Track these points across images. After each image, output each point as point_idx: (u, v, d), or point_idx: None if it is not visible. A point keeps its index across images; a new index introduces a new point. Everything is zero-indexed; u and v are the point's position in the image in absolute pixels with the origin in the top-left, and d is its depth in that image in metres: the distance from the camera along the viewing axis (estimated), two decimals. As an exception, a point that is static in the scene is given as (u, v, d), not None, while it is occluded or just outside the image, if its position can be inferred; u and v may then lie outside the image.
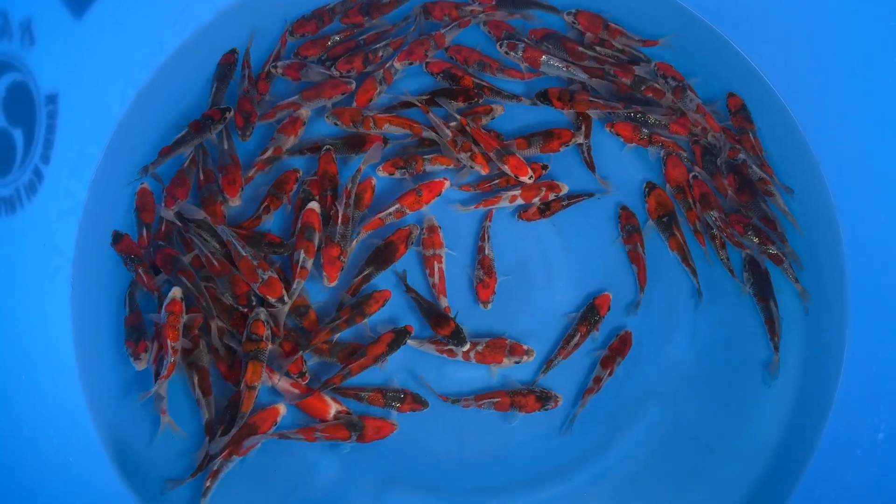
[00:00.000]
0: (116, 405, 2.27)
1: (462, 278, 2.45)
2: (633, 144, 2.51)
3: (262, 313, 2.18)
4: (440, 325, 2.28)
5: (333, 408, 2.20)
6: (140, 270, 2.30)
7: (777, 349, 2.32)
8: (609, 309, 2.36)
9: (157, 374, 2.18)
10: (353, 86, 2.48)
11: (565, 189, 2.43)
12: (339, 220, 2.26)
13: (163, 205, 2.33)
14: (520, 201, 2.42)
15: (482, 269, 2.38)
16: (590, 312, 2.36)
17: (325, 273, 2.27)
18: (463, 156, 2.39)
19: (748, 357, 2.36)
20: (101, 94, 2.42)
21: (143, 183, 2.42)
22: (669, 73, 2.44)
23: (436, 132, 2.41)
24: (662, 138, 2.48)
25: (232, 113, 2.44)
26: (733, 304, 2.39)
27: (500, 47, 2.51)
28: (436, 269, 2.37)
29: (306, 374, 2.23)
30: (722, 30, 2.57)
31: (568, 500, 2.24)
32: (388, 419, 2.27)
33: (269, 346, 2.17)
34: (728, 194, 2.42)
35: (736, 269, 2.42)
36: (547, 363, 2.34)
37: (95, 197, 2.42)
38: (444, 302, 2.36)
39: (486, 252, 2.39)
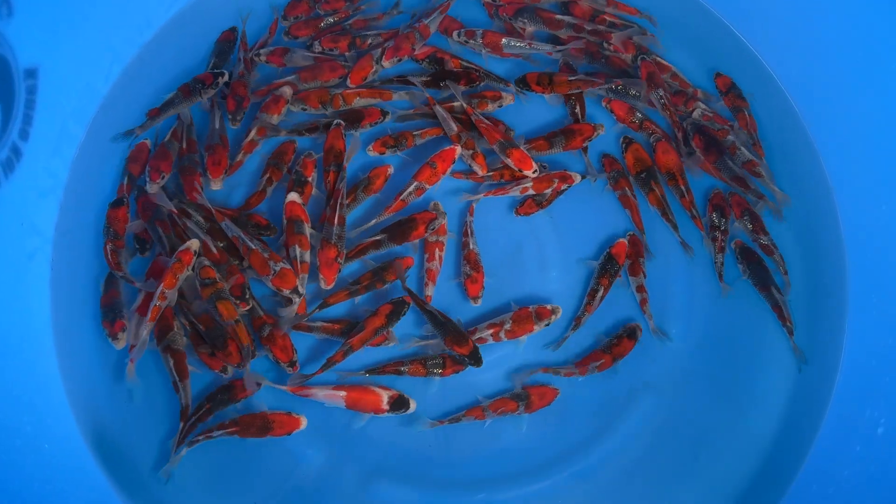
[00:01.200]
0: (95, 391, 2.22)
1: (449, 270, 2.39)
2: (624, 125, 2.50)
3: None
4: (458, 344, 2.19)
5: (385, 395, 2.15)
6: (108, 246, 2.25)
7: (792, 333, 2.29)
8: (627, 256, 2.33)
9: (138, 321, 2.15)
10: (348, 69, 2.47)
11: (578, 179, 2.39)
12: (335, 221, 2.20)
13: (149, 180, 2.26)
14: (531, 192, 2.37)
15: (468, 264, 2.31)
16: (608, 264, 2.32)
17: (321, 276, 2.20)
18: (465, 153, 2.35)
19: (745, 347, 2.33)
20: (85, 71, 2.36)
21: (145, 139, 2.38)
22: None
23: (440, 119, 2.40)
24: (653, 126, 2.46)
25: (226, 77, 2.40)
26: (731, 292, 2.35)
27: (457, 37, 2.49)
28: (436, 255, 2.32)
29: (297, 364, 2.18)
30: (719, 12, 2.55)
31: (557, 495, 2.20)
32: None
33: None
34: (695, 157, 2.42)
35: (728, 262, 2.39)
36: (575, 321, 2.31)
37: (77, 176, 2.36)
38: (429, 290, 2.32)
39: (472, 247, 2.33)
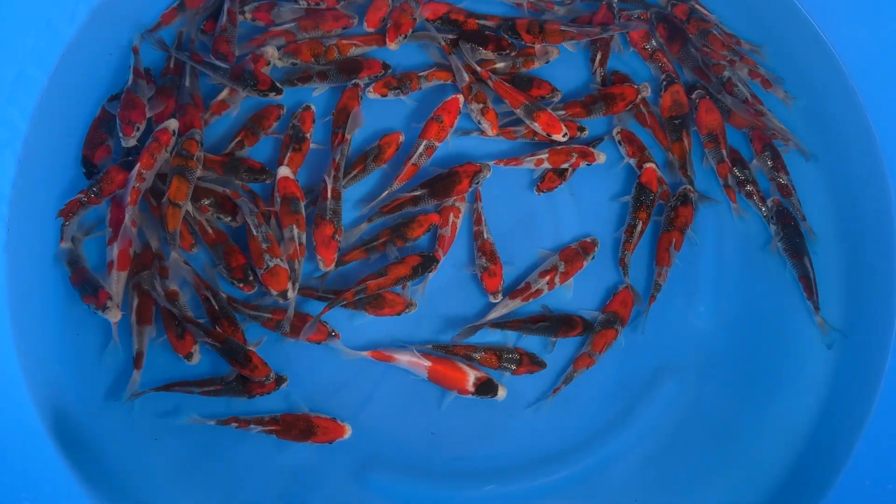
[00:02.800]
0: (55, 368, 2.09)
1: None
2: (635, 50, 2.41)
3: (198, 134, 2.11)
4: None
5: (472, 374, 2.06)
6: (80, 197, 2.10)
7: (818, 308, 2.18)
8: (659, 181, 2.23)
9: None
10: (356, 20, 2.32)
11: (602, 158, 2.24)
12: (329, 195, 2.08)
13: (122, 135, 2.11)
14: (546, 165, 2.22)
15: (484, 255, 2.17)
16: (641, 195, 2.22)
17: (319, 256, 2.08)
18: (474, 107, 2.22)
19: (779, 328, 2.22)
20: (46, 9, 2.19)
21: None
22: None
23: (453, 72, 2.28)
24: (664, 58, 2.37)
25: (233, 2, 2.26)
26: (762, 268, 2.26)
27: None
28: (450, 220, 2.18)
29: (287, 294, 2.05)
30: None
31: (569, 488, 2.11)
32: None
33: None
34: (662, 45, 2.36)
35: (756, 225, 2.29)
36: (620, 262, 2.21)
37: (39, 128, 2.20)
38: (439, 256, 2.17)
39: (485, 236, 2.19)
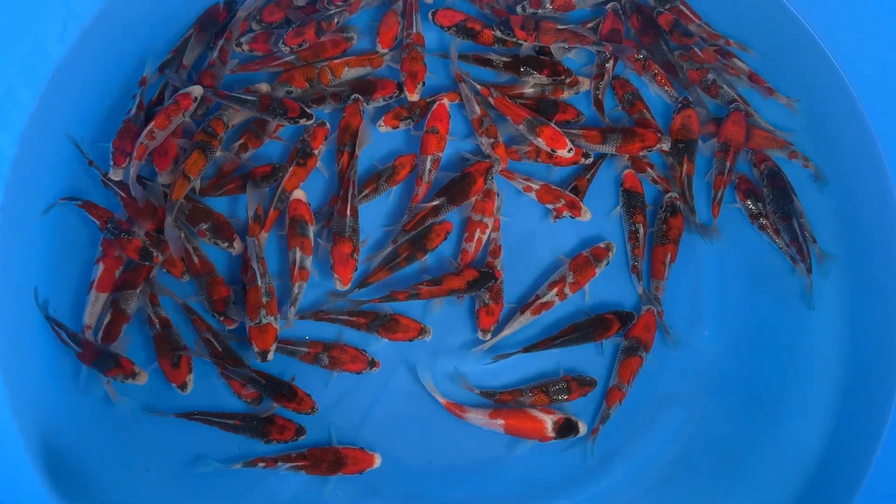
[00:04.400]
0: (43, 399, 2.04)
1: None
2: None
3: (225, 115, 2.12)
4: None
5: (549, 420, 2.04)
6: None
7: (809, 271, 2.18)
8: (641, 182, 2.25)
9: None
10: (355, 41, 2.30)
11: (588, 216, 2.21)
12: (348, 213, 2.05)
13: (112, 164, 2.09)
14: (532, 197, 2.21)
15: (489, 291, 2.13)
16: (631, 199, 2.23)
17: (336, 275, 2.05)
18: (484, 140, 2.20)
19: (786, 350, 2.19)
20: (36, 29, 2.15)
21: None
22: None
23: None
24: (656, 68, 2.33)
25: (228, 42, 2.23)
26: (767, 290, 2.23)
27: (522, 10, 2.32)
28: (475, 237, 2.17)
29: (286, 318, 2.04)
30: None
31: None
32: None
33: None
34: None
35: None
36: (633, 270, 2.21)
37: (28, 151, 2.15)
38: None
39: (497, 268, 2.17)
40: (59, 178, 2.16)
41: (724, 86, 2.30)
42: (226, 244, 2.08)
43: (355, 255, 2.04)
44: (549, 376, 2.11)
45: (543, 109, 2.25)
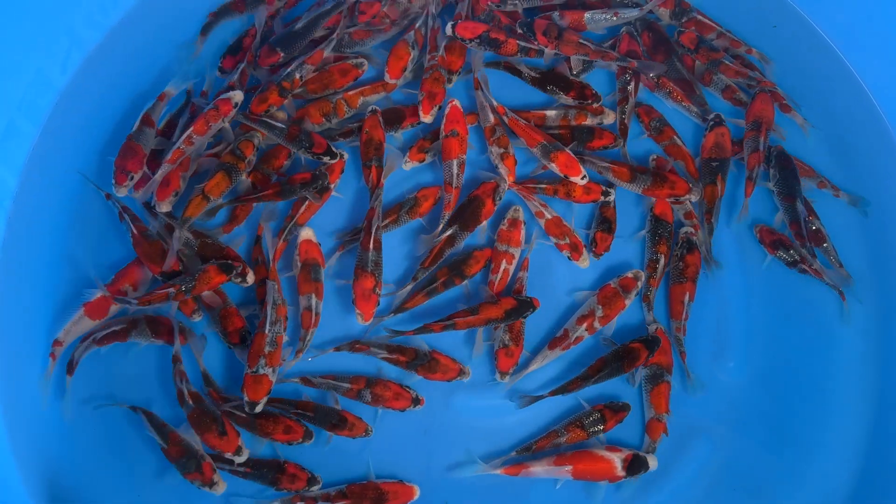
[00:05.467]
0: (42, 437, 2.02)
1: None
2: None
3: (256, 138, 2.11)
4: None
5: (616, 458, 1.99)
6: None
7: (813, 255, 2.15)
8: (673, 213, 2.20)
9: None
10: (366, 67, 2.27)
11: (586, 263, 2.17)
12: (371, 246, 2.02)
13: (114, 182, 2.06)
14: (541, 224, 2.18)
15: (510, 332, 2.09)
16: (658, 227, 2.18)
17: (358, 310, 2.01)
18: (494, 150, 2.18)
19: (815, 383, 2.15)
20: (37, 58, 2.16)
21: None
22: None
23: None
24: (672, 85, 2.31)
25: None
26: (794, 319, 2.19)
27: (521, 29, 2.27)
28: (502, 267, 2.13)
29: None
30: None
31: None
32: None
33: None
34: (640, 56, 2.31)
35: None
36: (644, 298, 2.17)
37: (30, 185, 2.15)
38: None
39: None
40: (62, 212, 2.16)
41: (740, 91, 2.29)
42: (238, 279, 2.04)
43: (378, 290, 2.00)
44: (573, 410, 2.06)
45: (579, 136, 2.22)
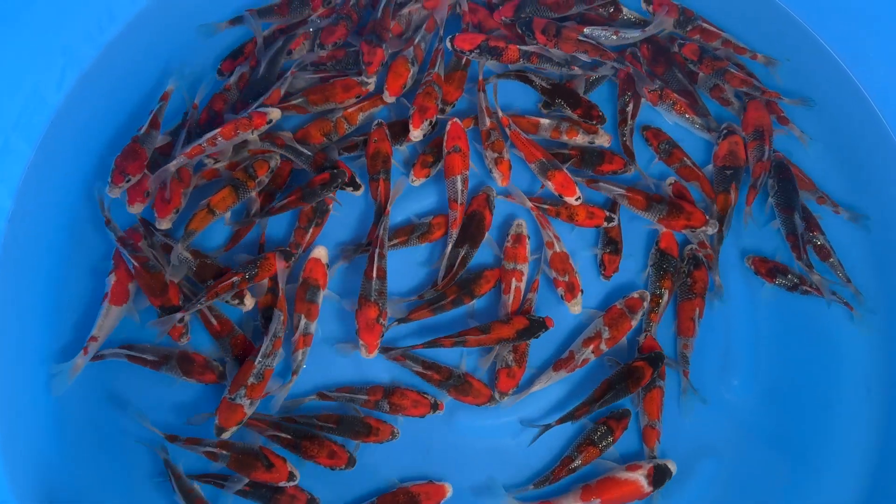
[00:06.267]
0: (38, 464, 2.00)
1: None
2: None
3: (273, 160, 2.11)
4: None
5: (639, 476, 1.97)
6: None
7: (810, 266, 2.13)
8: (678, 245, 2.18)
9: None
10: (372, 86, 2.24)
11: (576, 309, 2.11)
12: (374, 275, 1.99)
13: (110, 181, 2.03)
14: (546, 255, 2.14)
15: (514, 352, 2.07)
16: (664, 262, 2.15)
17: (362, 342, 1.99)
18: (489, 154, 2.17)
19: (822, 401, 2.13)
20: (32, 76, 2.15)
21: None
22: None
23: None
24: (675, 97, 2.28)
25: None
26: (800, 336, 2.17)
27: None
28: (513, 286, 2.10)
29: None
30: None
31: None
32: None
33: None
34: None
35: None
36: (645, 332, 2.14)
37: (25, 205, 2.14)
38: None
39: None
40: (58, 233, 2.14)
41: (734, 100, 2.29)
42: (236, 301, 2.02)
43: (381, 321, 1.98)
44: (575, 427, 2.04)
45: (589, 159, 2.21)
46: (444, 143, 2.14)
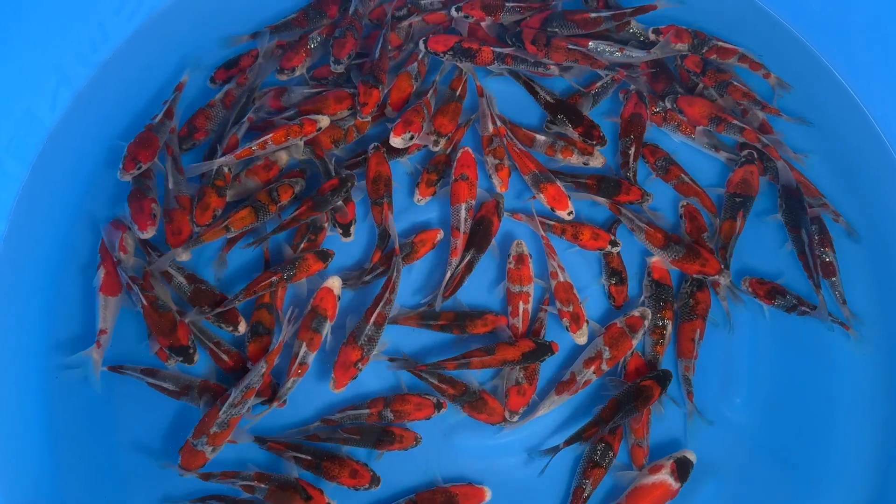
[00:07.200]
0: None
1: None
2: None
3: (298, 185, 2.11)
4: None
5: (664, 475, 1.94)
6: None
7: (819, 287, 2.11)
8: (669, 273, 2.16)
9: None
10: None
11: (582, 340, 2.10)
12: (372, 319, 1.97)
13: (121, 167, 2.03)
14: (551, 284, 2.11)
15: (525, 370, 2.05)
16: (661, 292, 2.13)
17: (333, 376, 1.97)
18: (489, 160, 2.18)
19: (824, 419, 2.12)
20: (25, 96, 2.14)
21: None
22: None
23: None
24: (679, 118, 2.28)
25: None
26: (802, 353, 2.16)
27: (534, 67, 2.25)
28: (520, 309, 2.09)
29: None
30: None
31: None
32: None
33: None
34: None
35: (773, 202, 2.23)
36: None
37: (19, 228, 2.13)
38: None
39: None
40: (53, 254, 2.13)
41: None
42: (230, 328, 2.00)
43: (360, 366, 1.96)
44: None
45: (606, 188, 2.18)
46: (453, 170, 2.14)
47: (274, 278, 1.97)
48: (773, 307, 2.13)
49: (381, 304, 1.97)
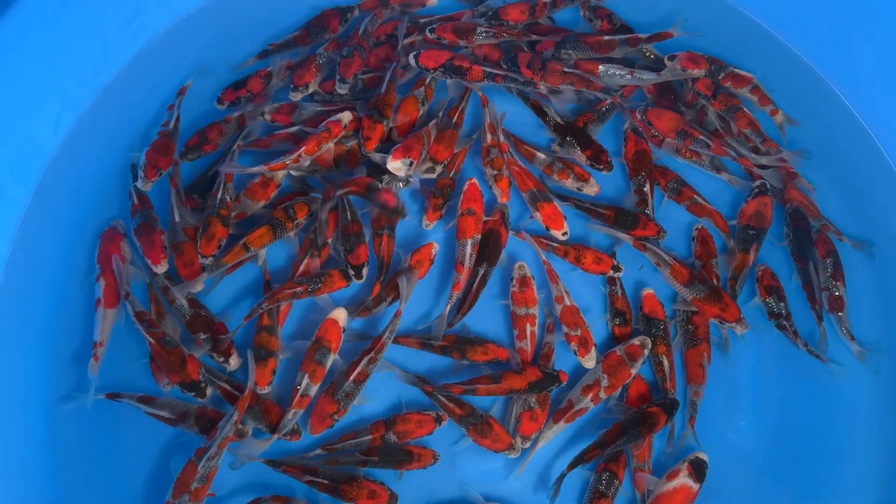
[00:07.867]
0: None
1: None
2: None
3: (315, 203, 2.11)
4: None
5: (687, 480, 1.92)
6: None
7: (821, 319, 2.12)
8: (662, 305, 2.15)
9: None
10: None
11: (590, 363, 2.09)
12: (353, 376, 1.95)
13: (142, 175, 2.05)
14: (557, 309, 2.11)
15: (536, 396, 2.04)
16: (651, 327, 2.13)
17: (310, 422, 1.97)
18: (489, 171, 2.19)
19: (831, 442, 2.10)
20: (28, 120, 2.12)
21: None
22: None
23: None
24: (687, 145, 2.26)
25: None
26: (807, 375, 2.14)
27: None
28: (528, 331, 2.08)
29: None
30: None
31: None
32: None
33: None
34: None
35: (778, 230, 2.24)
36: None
37: (21, 253, 2.11)
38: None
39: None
40: (56, 280, 2.11)
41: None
42: (221, 359, 2.00)
43: (335, 417, 1.94)
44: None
45: (622, 221, 2.17)
46: (460, 203, 2.13)
47: (299, 289, 1.98)
48: (764, 301, 2.14)
49: (364, 362, 1.95)
